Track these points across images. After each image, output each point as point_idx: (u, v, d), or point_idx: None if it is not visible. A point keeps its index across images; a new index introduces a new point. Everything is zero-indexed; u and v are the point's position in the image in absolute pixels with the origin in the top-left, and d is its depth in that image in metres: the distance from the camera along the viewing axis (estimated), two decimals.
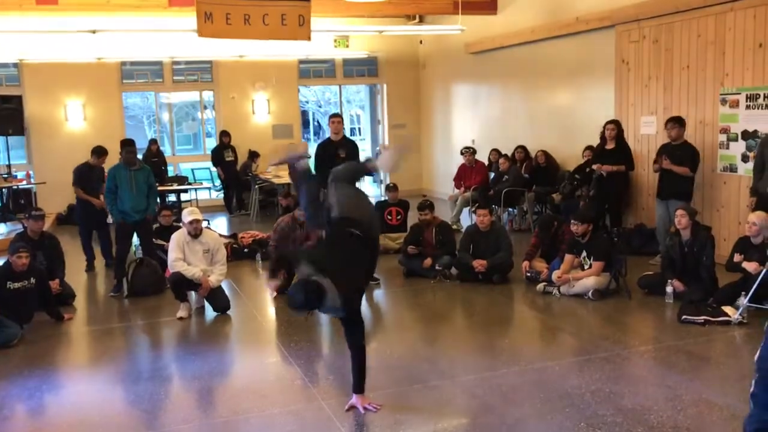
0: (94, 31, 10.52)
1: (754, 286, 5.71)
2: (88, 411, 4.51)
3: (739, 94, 7.43)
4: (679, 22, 8.13)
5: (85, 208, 8.64)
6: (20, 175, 12.26)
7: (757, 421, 2.15)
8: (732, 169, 7.61)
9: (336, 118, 8.52)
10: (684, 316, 5.82)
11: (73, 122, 13.07)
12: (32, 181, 12.15)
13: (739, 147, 7.51)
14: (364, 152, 18.47)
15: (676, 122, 7.55)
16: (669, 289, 6.39)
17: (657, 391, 4.47)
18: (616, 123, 8.42)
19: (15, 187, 11.78)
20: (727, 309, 5.81)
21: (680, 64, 8.16)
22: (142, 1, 10.05)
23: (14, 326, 5.90)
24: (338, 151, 8.27)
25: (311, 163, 8.82)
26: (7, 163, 12.07)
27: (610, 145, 8.37)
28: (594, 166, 8.48)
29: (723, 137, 7.68)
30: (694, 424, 3.98)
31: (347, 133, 11.60)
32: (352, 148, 8.45)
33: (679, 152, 7.48)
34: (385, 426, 4.10)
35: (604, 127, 8.40)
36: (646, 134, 8.76)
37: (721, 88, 7.64)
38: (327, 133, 8.61)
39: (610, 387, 4.53)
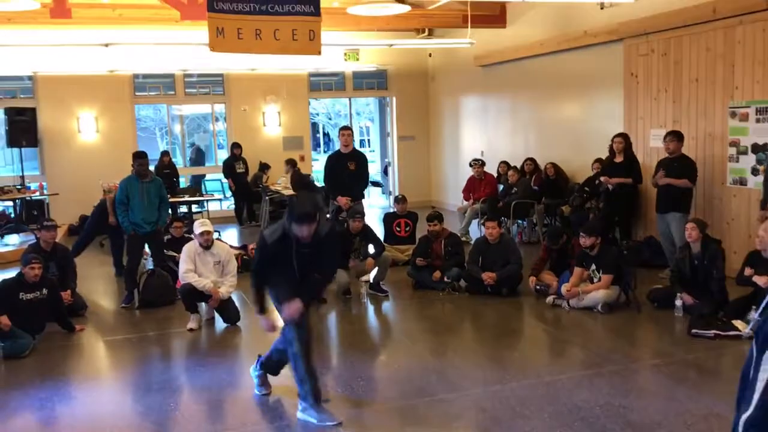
0: (107, 45, 10.64)
1: (765, 300, 5.68)
2: (98, 422, 4.54)
3: (749, 107, 7.43)
4: (687, 36, 8.15)
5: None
6: (33, 186, 12.38)
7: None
8: (742, 182, 7.60)
9: (346, 131, 8.58)
10: (694, 330, 5.80)
11: (86, 134, 13.20)
12: (45, 192, 12.26)
13: (749, 160, 7.49)
14: (373, 163, 18.58)
15: (675, 136, 7.58)
16: (678, 302, 6.38)
17: (667, 405, 4.46)
18: (623, 136, 8.43)
19: (28, 198, 11.89)
20: (738, 323, 5.79)
21: (689, 77, 8.17)
22: (154, 14, 10.17)
23: (26, 337, 5.95)
24: (348, 163, 8.33)
25: (320, 175, 8.90)
26: (20, 174, 12.20)
27: (618, 158, 8.38)
28: (602, 179, 8.49)
29: (732, 150, 7.67)
30: None
31: (357, 145, 11.70)
32: (362, 161, 8.51)
33: (677, 164, 7.51)
34: None
35: (612, 141, 8.42)
36: (655, 147, 8.75)
37: (731, 101, 7.64)
38: (337, 145, 8.66)
39: (620, 401, 4.52)
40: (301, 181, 12.52)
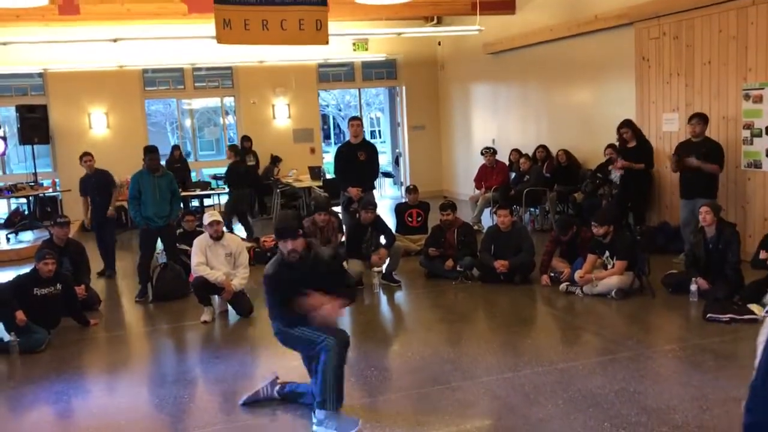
0: (115, 40, 10.67)
1: None
2: (113, 415, 4.57)
3: (763, 89, 7.33)
4: (699, 18, 8.04)
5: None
6: (46, 183, 12.46)
7: None
8: (756, 165, 7.50)
9: (355, 121, 8.56)
10: (709, 314, 5.75)
11: (97, 130, 13.27)
12: (58, 188, 12.33)
13: (763, 142, 7.40)
14: (384, 154, 18.55)
15: (701, 118, 7.42)
16: (693, 287, 6.32)
17: (682, 390, 4.43)
18: (628, 124, 8.32)
19: (41, 195, 11.97)
20: (753, 307, 5.73)
21: (702, 59, 8.07)
22: (162, 9, 10.18)
23: (41, 332, 5.99)
24: (358, 154, 8.31)
25: (331, 167, 8.90)
26: (33, 171, 12.28)
27: (631, 144, 8.31)
28: (612, 166, 8.43)
29: (747, 133, 7.58)
30: (720, 424, 3.93)
31: (367, 136, 11.68)
32: (372, 151, 8.49)
33: (704, 149, 7.36)
34: (407, 427, 4.11)
35: (618, 132, 8.33)
36: (668, 131, 8.67)
37: (744, 84, 7.54)
38: (347, 136, 8.65)
39: (635, 386, 4.49)
40: (237, 172, 10.95)
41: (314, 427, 4.14)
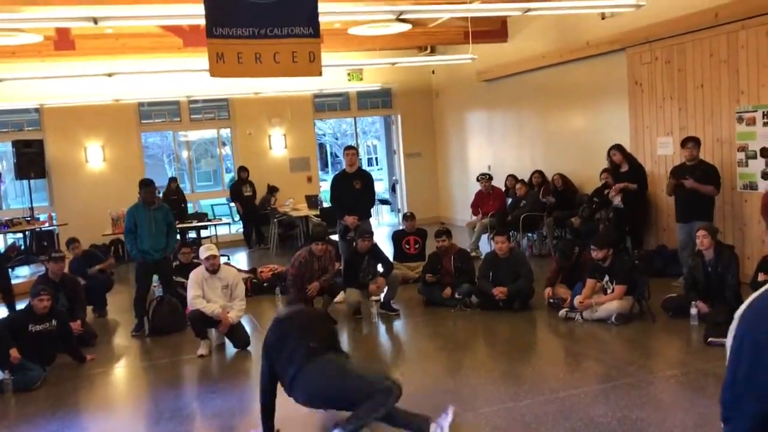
0: (111, 74, 10.72)
1: None
2: None
3: (756, 111, 7.36)
4: (690, 42, 8.11)
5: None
6: (42, 217, 12.43)
7: None
8: (752, 186, 7.51)
9: (350, 150, 8.58)
10: (710, 338, 5.70)
11: (94, 163, 13.28)
12: (54, 222, 12.31)
13: (758, 164, 7.42)
14: (381, 181, 18.57)
15: (696, 142, 7.45)
16: (693, 311, 6.28)
17: (686, 417, 4.37)
18: (617, 147, 8.39)
19: (38, 229, 11.94)
20: None
21: (694, 83, 8.13)
22: (157, 42, 10.25)
23: (37, 369, 5.92)
24: (353, 183, 8.31)
25: (328, 196, 8.91)
26: (29, 206, 12.26)
27: (624, 168, 8.34)
28: (608, 192, 8.46)
29: (741, 155, 7.59)
30: None
31: (364, 164, 11.71)
32: (367, 180, 8.50)
33: (699, 172, 7.37)
34: None
35: (608, 155, 8.38)
36: (662, 155, 8.70)
37: (737, 106, 7.58)
38: (344, 164, 8.67)
39: (637, 414, 4.43)
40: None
41: None
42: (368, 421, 4.01)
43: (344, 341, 6.91)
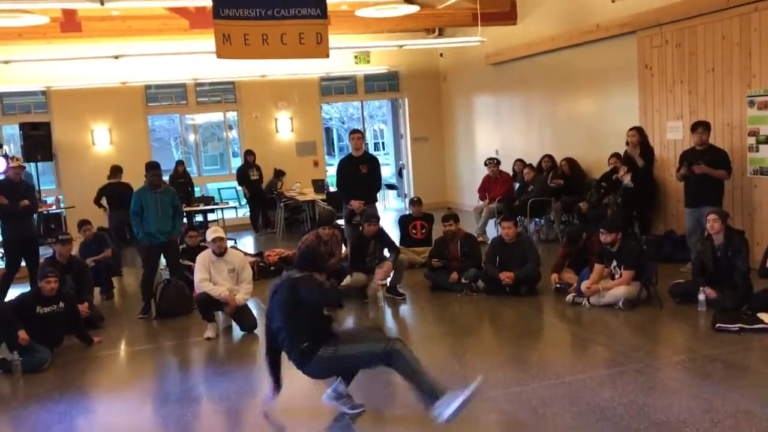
0: (117, 57, 10.68)
1: None
2: None
3: None
4: (701, 25, 8.01)
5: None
6: (50, 200, 12.45)
7: None
8: (763, 172, 7.44)
9: (356, 134, 8.54)
10: (718, 324, 5.67)
11: (100, 146, 13.28)
12: (62, 205, 12.33)
13: None
14: (388, 166, 18.53)
15: (706, 127, 7.39)
16: (701, 296, 6.24)
17: (692, 402, 4.36)
18: (638, 129, 8.32)
19: (45, 212, 11.97)
20: (763, 316, 5.66)
21: (705, 67, 8.03)
22: (163, 25, 10.19)
23: (44, 351, 5.95)
24: (360, 167, 8.28)
25: (334, 180, 8.89)
26: (37, 188, 12.27)
27: (635, 151, 8.28)
28: (618, 175, 8.41)
29: (752, 140, 7.52)
30: None
31: (371, 148, 11.67)
32: (374, 164, 8.46)
33: (709, 157, 7.31)
34: None
35: (627, 134, 8.31)
36: (672, 140, 8.62)
37: (749, 90, 7.49)
38: (351, 148, 8.64)
39: (644, 399, 4.42)
40: (117, 192, 10.20)
41: (437, 411, 4.02)
42: (430, 378, 4.08)
43: (350, 326, 6.92)
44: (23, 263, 8.19)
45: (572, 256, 7.32)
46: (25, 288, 7.52)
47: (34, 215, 9.20)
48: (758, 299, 5.91)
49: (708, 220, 6.38)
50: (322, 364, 4.25)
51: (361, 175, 8.27)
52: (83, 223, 8.98)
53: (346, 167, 8.44)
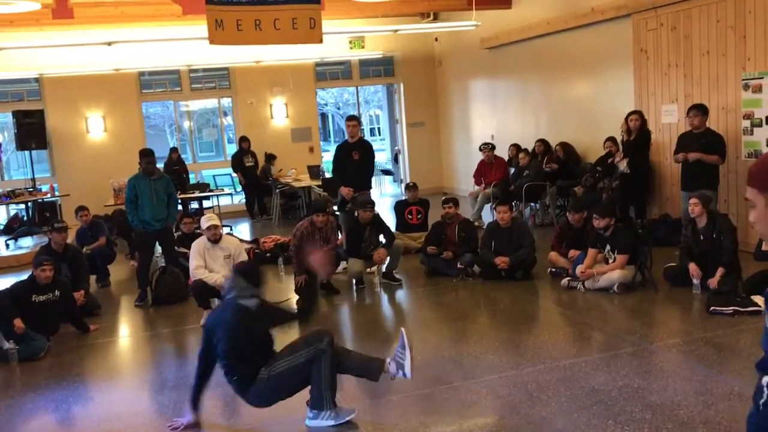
0: (110, 43, 10.62)
1: None
2: (114, 422, 4.54)
3: (762, 78, 7.27)
4: (696, 8, 7.98)
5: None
6: (44, 188, 12.42)
7: None
8: (757, 155, 7.44)
9: (351, 121, 8.52)
10: (712, 307, 5.70)
11: (95, 134, 13.23)
12: (56, 193, 12.30)
13: (764, 132, 7.34)
14: (383, 151, 18.50)
15: (700, 110, 7.38)
16: (696, 280, 6.26)
17: (686, 385, 4.38)
18: (639, 113, 8.31)
19: (40, 200, 11.94)
20: (757, 298, 5.68)
21: (700, 50, 8.01)
22: (156, 11, 10.13)
23: (41, 339, 5.96)
24: (353, 153, 8.27)
25: (330, 166, 8.88)
26: (31, 176, 12.24)
27: (634, 137, 8.27)
28: (615, 160, 8.41)
29: (747, 123, 7.52)
30: (726, 418, 3.88)
31: (366, 133, 11.64)
32: (367, 150, 8.45)
33: (704, 140, 7.31)
34: (410, 428, 4.07)
35: (626, 119, 8.29)
36: (667, 123, 8.62)
37: (743, 73, 7.48)
38: (347, 134, 8.62)
39: (638, 382, 4.44)
40: None
41: (309, 422, 4.14)
42: (330, 386, 4.09)
43: (346, 312, 6.94)
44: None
45: (570, 239, 7.29)
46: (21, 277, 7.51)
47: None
48: (752, 282, 5.93)
49: (690, 204, 6.38)
50: (262, 388, 4.13)
51: (353, 161, 8.26)
52: (80, 209, 8.97)
53: (342, 153, 8.43)
